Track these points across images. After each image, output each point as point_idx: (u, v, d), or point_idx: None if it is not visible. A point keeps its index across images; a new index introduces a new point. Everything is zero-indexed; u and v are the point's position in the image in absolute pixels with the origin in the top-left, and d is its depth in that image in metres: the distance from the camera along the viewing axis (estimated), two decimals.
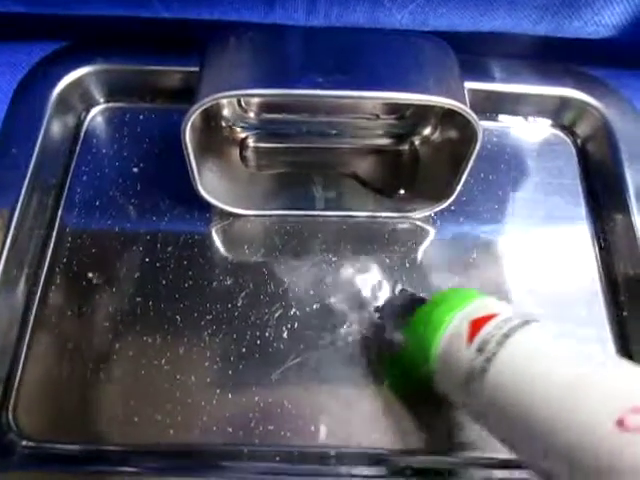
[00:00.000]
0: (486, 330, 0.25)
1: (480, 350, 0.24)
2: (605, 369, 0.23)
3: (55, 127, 0.36)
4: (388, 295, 0.33)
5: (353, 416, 0.30)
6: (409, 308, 0.29)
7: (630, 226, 0.34)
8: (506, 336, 0.24)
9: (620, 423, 0.20)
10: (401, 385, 0.30)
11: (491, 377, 0.24)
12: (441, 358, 0.26)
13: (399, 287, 0.33)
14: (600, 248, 0.36)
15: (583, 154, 0.39)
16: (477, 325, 0.25)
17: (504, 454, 0.28)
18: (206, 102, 0.26)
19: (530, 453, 0.23)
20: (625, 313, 0.34)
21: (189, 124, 0.27)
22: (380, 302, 0.33)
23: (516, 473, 0.29)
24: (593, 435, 0.20)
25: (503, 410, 0.23)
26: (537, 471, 0.24)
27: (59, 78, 0.36)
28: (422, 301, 0.29)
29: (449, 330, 0.26)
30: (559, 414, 0.21)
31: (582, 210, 0.37)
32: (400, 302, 0.31)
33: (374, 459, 0.29)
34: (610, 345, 0.33)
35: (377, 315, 0.32)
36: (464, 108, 0.28)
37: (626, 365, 0.23)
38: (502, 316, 0.25)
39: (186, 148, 0.29)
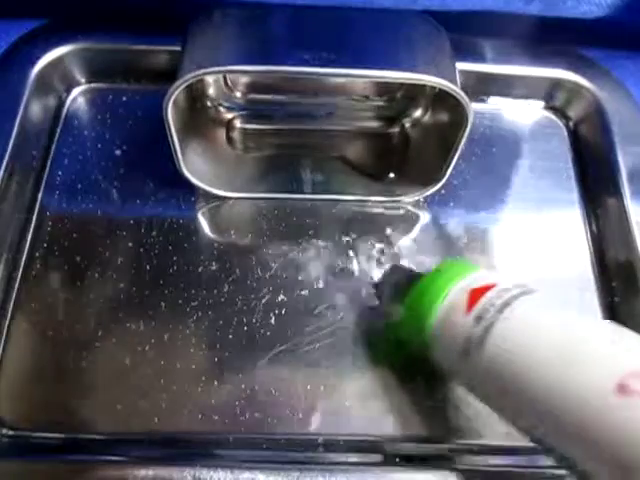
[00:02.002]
0: (485, 299, 0.25)
1: (479, 318, 0.24)
2: (604, 335, 0.22)
3: (34, 108, 0.35)
4: (383, 272, 0.33)
5: (341, 403, 0.29)
6: (404, 284, 0.29)
7: (622, 210, 0.34)
8: (505, 305, 0.24)
9: (620, 388, 0.20)
10: (397, 358, 0.30)
11: (490, 345, 0.23)
12: (439, 327, 0.26)
13: (392, 263, 0.33)
14: (592, 232, 0.35)
15: (575, 137, 0.38)
16: (476, 294, 0.25)
17: (495, 441, 0.28)
18: (189, 78, 0.26)
19: (528, 423, 0.23)
20: (617, 299, 0.33)
21: (171, 101, 0.27)
22: (375, 280, 0.32)
23: (509, 459, 0.29)
24: (593, 400, 0.20)
25: (501, 379, 0.23)
26: (536, 440, 0.24)
27: (38, 57, 0.35)
28: (418, 276, 0.29)
29: (447, 300, 0.26)
30: (558, 380, 0.21)
31: (574, 194, 0.37)
32: (395, 278, 0.31)
33: (362, 446, 0.29)
34: None
35: (374, 292, 0.32)
36: (454, 88, 0.28)
37: (623, 331, 0.23)
38: (501, 285, 0.25)
39: (169, 127, 0.28)
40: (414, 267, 0.33)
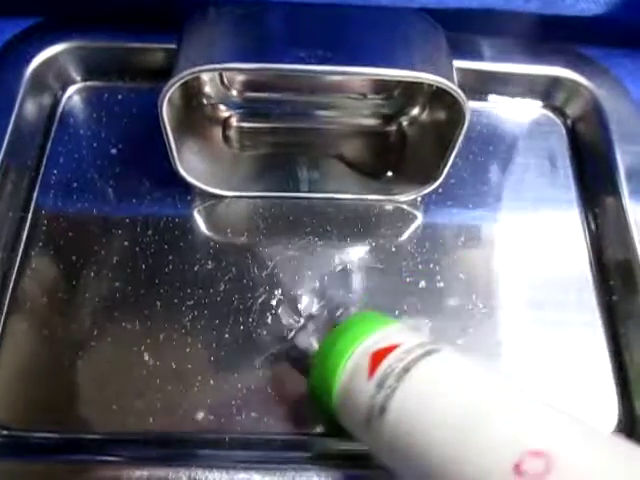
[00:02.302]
0: (386, 363, 0.24)
1: (380, 386, 0.23)
2: (502, 409, 0.21)
3: (29, 107, 0.35)
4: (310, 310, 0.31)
5: None
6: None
7: (621, 209, 0.34)
8: (405, 370, 0.23)
9: (517, 468, 0.19)
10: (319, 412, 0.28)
11: (391, 416, 0.22)
12: (342, 394, 0.25)
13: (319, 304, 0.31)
14: (590, 231, 0.35)
15: (573, 135, 0.38)
16: (378, 358, 0.24)
17: None
18: (184, 75, 0.25)
19: None
20: (615, 297, 0.33)
21: (166, 99, 0.27)
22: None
23: None
24: None
25: (401, 451, 0.22)
26: None
27: (33, 56, 0.35)
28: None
29: (350, 364, 0.25)
30: (455, 459, 0.20)
31: (572, 193, 0.36)
32: (320, 324, 0.30)
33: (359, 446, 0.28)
34: (599, 330, 0.32)
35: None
36: (451, 86, 0.27)
37: (525, 403, 0.22)
38: (404, 346, 0.24)
39: (164, 125, 0.28)
40: (409, 269, 0.33)
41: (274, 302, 0.31)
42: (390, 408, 0.22)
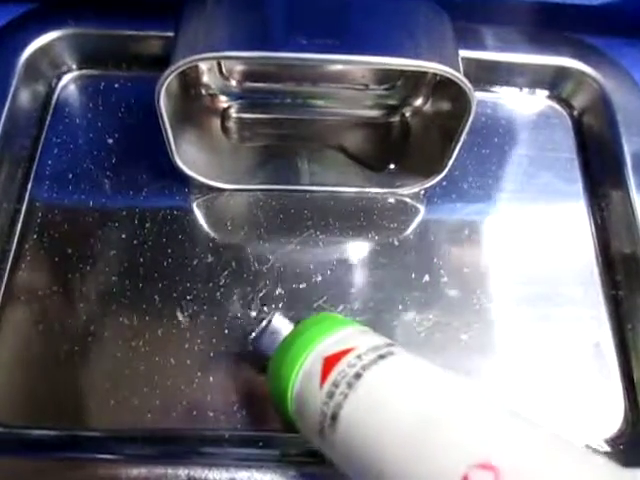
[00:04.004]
0: (338, 369, 0.23)
1: (331, 394, 0.23)
2: (453, 419, 0.21)
3: (24, 96, 0.34)
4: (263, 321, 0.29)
5: None
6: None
7: (627, 202, 0.33)
8: (357, 376, 0.22)
9: None
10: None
11: (342, 425, 0.22)
12: (297, 401, 0.24)
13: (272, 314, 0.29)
14: (596, 225, 0.35)
15: (580, 127, 0.38)
16: (330, 363, 0.23)
17: None
18: (182, 64, 0.25)
19: None
20: (621, 292, 0.33)
21: (164, 88, 0.26)
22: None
23: None
24: None
25: (355, 460, 0.22)
26: None
27: (27, 43, 0.34)
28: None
29: (303, 371, 0.24)
30: (405, 469, 0.20)
31: (578, 186, 0.36)
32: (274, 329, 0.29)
33: None
34: (605, 324, 0.32)
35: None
36: (457, 75, 0.27)
37: (479, 411, 0.21)
38: (357, 351, 0.23)
39: (161, 115, 0.27)
40: (412, 263, 0.32)
41: (275, 296, 0.31)
42: (341, 417, 0.22)
